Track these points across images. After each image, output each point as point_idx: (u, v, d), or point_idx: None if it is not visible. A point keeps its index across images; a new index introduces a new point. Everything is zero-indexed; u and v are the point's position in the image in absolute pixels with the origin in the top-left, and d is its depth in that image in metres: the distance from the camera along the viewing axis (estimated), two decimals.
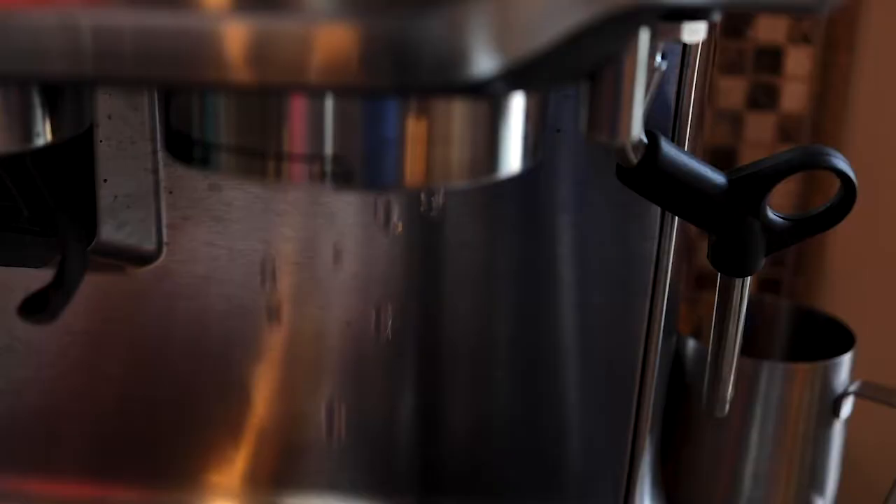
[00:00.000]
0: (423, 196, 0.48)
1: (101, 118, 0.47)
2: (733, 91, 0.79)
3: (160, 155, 0.49)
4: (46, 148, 0.39)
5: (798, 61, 0.79)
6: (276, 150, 0.33)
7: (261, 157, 0.34)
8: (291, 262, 0.51)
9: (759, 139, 0.79)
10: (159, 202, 0.50)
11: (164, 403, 0.55)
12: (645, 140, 0.42)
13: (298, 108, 0.33)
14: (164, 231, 0.50)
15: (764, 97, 0.79)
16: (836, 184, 0.45)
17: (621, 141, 0.35)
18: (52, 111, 0.38)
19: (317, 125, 0.33)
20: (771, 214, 0.45)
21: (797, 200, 0.76)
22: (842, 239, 0.79)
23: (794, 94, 0.79)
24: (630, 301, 0.51)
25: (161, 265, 0.51)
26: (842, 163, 0.44)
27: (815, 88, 0.79)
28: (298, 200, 0.50)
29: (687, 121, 0.48)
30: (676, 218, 0.49)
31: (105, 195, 0.48)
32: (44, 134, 0.38)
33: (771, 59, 0.79)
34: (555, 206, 0.49)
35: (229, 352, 0.53)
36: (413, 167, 0.34)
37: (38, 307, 0.40)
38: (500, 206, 0.50)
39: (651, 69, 0.38)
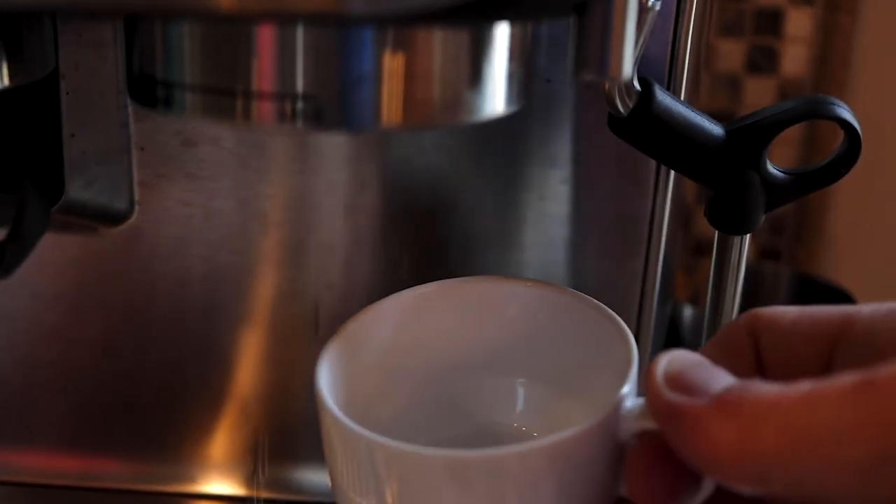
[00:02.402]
0: None
1: (68, 69, 0.45)
2: (732, 54, 0.77)
3: (130, 109, 0.47)
4: (7, 97, 0.37)
5: (799, 23, 0.77)
6: (244, 88, 0.32)
7: (228, 96, 0.32)
8: (269, 221, 0.49)
9: (759, 104, 0.77)
10: (130, 159, 0.48)
11: (144, 371, 0.53)
12: (638, 87, 0.40)
13: (267, 42, 0.31)
14: (136, 189, 0.48)
15: (763, 60, 0.78)
16: (838, 143, 0.43)
17: (611, 78, 0.33)
18: (10, 52, 0.36)
19: (287, 61, 0.31)
20: (771, 168, 0.43)
21: (796, 165, 0.74)
22: (842, 205, 0.77)
23: (795, 58, 0.78)
24: (624, 262, 0.49)
25: (134, 225, 0.49)
26: (846, 112, 0.42)
27: (816, 51, 0.78)
28: (276, 157, 0.48)
29: (681, 83, 0.46)
30: (672, 174, 0.47)
31: (72, 151, 0.46)
32: (1, 78, 0.36)
33: (771, 20, 0.77)
34: (544, 161, 0.47)
35: (211, 316, 0.52)
36: (390, 106, 0.32)
37: None
38: (487, 161, 0.48)
39: (644, 6, 0.36)
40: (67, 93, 0.45)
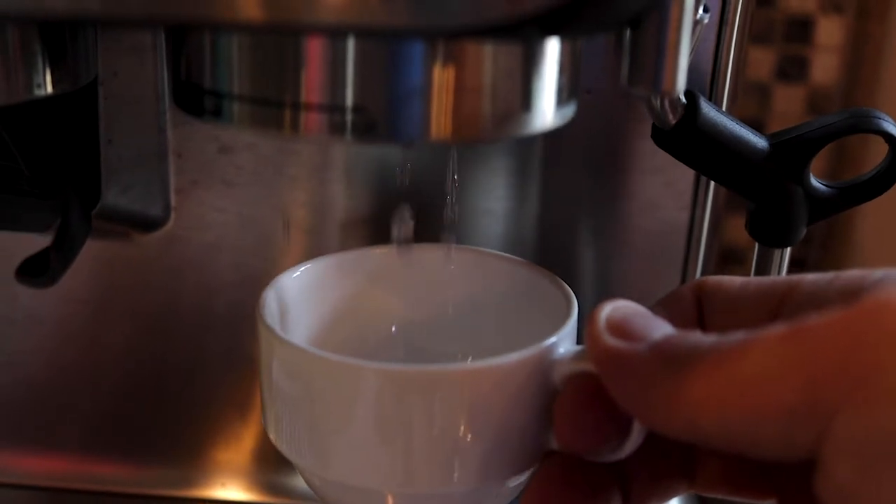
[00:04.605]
0: None
1: (107, 75, 0.45)
2: (762, 62, 0.77)
3: (168, 115, 0.46)
4: (48, 103, 0.37)
5: (829, 31, 0.76)
6: (292, 99, 0.31)
7: (276, 107, 0.31)
8: (303, 229, 0.49)
9: (788, 112, 0.77)
10: (167, 165, 0.48)
11: (169, 377, 0.53)
12: (683, 100, 0.40)
13: (316, 53, 0.31)
14: (172, 195, 0.48)
15: (793, 68, 0.77)
16: (869, 157, 0.43)
17: (665, 93, 0.32)
18: (54, 60, 0.36)
19: (336, 72, 0.31)
20: (814, 182, 0.42)
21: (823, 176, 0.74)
22: (869, 214, 0.76)
23: (825, 66, 0.77)
24: (662, 274, 0.48)
25: (168, 231, 0.49)
26: (892, 126, 0.41)
27: (846, 60, 0.77)
28: (311, 164, 0.48)
29: (723, 94, 0.46)
30: (712, 186, 0.47)
31: (110, 156, 0.46)
32: (45, 85, 0.35)
33: (801, 29, 0.77)
34: (583, 171, 0.47)
35: (238, 323, 0.51)
36: (440, 119, 0.31)
37: (37, 270, 0.38)
38: (526, 170, 0.47)
39: (694, 20, 0.36)
40: (105, 99, 0.45)
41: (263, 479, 0.55)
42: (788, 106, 0.77)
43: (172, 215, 0.49)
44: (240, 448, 0.54)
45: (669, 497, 0.35)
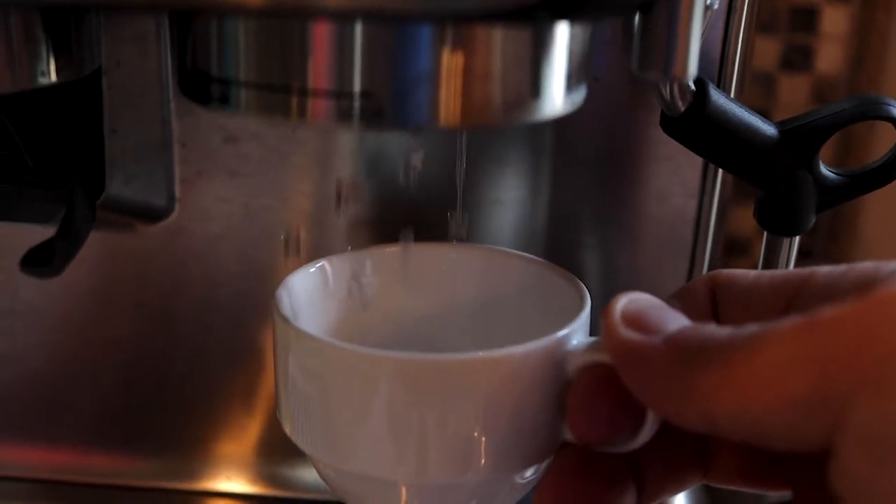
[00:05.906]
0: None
1: (110, 65, 0.45)
2: (767, 51, 0.77)
3: (172, 105, 0.46)
4: (52, 93, 0.36)
5: (834, 20, 0.76)
6: (299, 85, 0.31)
7: (283, 93, 0.31)
8: (309, 219, 0.49)
9: (793, 101, 0.77)
10: (171, 155, 0.47)
11: (173, 369, 0.53)
12: (693, 87, 0.40)
13: (324, 38, 0.30)
14: (177, 186, 0.48)
15: (798, 58, 0.77)
16: (874, 144, 0.42)
17: (675, 78, 0.32)
18: (58, 48, 0.35)
19: (344, 58, 0.30)
20: (824, 169, 0.42)
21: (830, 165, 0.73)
22: (876, 204, 0.76)
23: (830, 55, 0.77)
24: (669, 263, 0.48)
25: (172, 222, 0.49)
26: None
27: (851, 49, 0.77)
28: (317, 153, 0.47)
29: (731, 82, 0.45)
30: (720, 175, 0.46)
31: (113, 147, 0.46)
32: (48, 73, 0.35)
33: (806, 18, 0.76)
34: (592, 160, 0.47)
35: (243, 315, 0.51)
36: (448, 105, 0.31)
37: (41, 260, 0.38)
38: (535, 160, 0.47)
39: (705, 4, 0.35)
40: (109, 89, 0.45)
41: (267, 471, 0.54)
42: (793, 96, 0.77)
43: (177, 206, 0.48)
44: (244, 440, 0.54)
45: (684, 488, 0.35)
